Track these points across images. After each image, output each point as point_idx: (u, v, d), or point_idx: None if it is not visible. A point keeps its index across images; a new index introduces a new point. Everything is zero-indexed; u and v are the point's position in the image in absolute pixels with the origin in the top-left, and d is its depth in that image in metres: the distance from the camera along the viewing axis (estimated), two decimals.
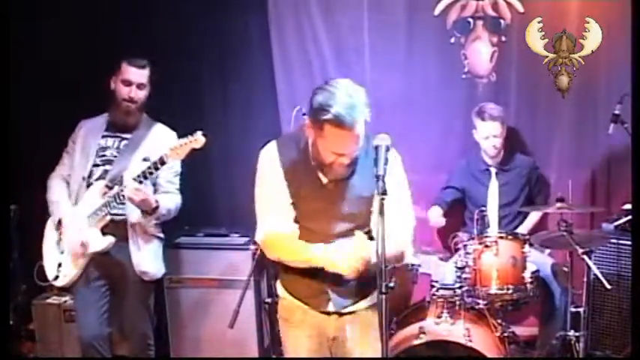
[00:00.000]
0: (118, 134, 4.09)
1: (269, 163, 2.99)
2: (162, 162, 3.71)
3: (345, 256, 2.82)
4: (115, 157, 4.02)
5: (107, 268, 4.00)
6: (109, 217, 3.90)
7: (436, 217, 4.72)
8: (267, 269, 4.83)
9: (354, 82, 2.82)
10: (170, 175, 4.09)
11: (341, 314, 3.06)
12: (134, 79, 4.03)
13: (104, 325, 4.07)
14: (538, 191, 4.81)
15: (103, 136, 4.09)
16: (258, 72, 5.18)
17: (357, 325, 3.06)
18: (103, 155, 4.04)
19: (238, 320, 4.00)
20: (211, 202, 5.40)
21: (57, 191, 4.10)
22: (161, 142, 3.98)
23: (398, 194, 2.93)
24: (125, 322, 4.14)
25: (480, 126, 4.69)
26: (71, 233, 3.95)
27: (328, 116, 2.70)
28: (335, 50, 5.02)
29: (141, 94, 4.06)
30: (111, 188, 3.88)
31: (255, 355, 4.76)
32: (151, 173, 3.75)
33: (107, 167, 3.99)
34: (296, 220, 3.02)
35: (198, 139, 3.66)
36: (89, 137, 4.09)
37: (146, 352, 4.19)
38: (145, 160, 3.82)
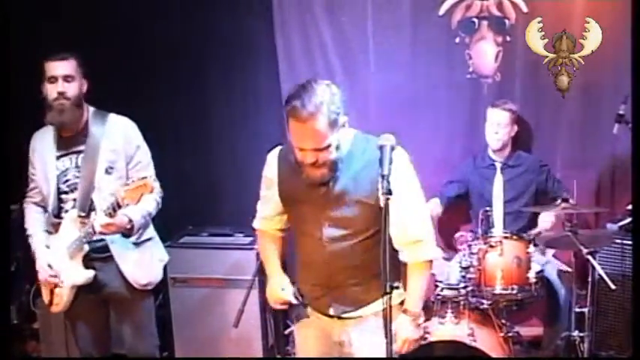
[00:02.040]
0: (72, 149, 3.76)
1: (268, 169, 3.10)
2: (119, 205, 3.46)
3: (272, 293, 3.16)
4: (78, 178, 3.74)
5: (100, 291, 3.80)
6: (87, 247, 3.67)
7: (433, 209, 4.69)
8: None
9: (333, 84, 2.85)
10: (140, 173, 3.71)
11: (345, 319, 3.05)
12: (58, 73, 3.65)
13: (104, 343, 3.99)
14: (554, 190, 4.73)
15: (58, 157, 3.77)
16: (262, 73, 5.19)
17: (361, 330, 3.03)
18: (67, 180, 3.75)
19: (243, 320, 4.01)
20: (216, 202, 5.41)
21: (31, 222, 3.92)
22: (118, 136, 3.76)
23: (407, 190, 2.90)
24: (127, 343, 3.95)
25: (489, 113, 4.73)
26: (54, 264, 3.77)
27: (288, 107, 2.76)
28: (340, 51, 5.01)
29: (70, 88, 3.67)
30: (85, 217, 3.68)
31: (260, 354, 4.76)
32: (114, 210, 3.49)
33: (76, 195, 3.73)
34: (284, 226, 3.22)
35: (147, 185, 3.43)
36: (45, 162, 3.79)
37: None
38: (107, 172, 3.69)
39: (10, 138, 3.91)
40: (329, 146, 2.78)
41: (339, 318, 3.06)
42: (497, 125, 4.71)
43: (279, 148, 3.10)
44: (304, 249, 3.07)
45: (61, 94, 3.65)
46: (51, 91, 3.67)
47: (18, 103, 4.14)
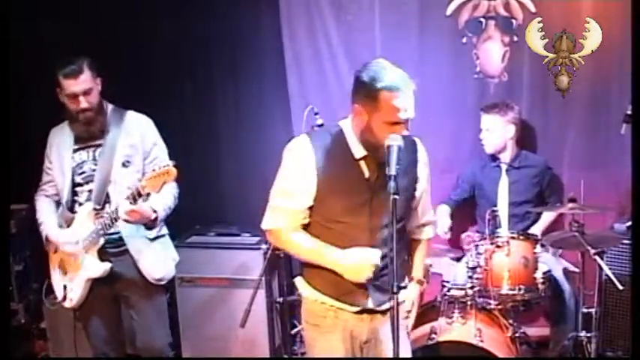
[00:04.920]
0: (90, 143, 3.80)
1: (301, 158, 2.94)
2: (140, 194, 3.50)
3: (359, 266, 2.88)
4: (94, 171, 3.77)
5: (114, 285, 3.84)
6: (102, 240, 3.71)
7: (442, 217, 4.72)
8: (278, 269, 4.84)
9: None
10: (157, 164, 3.71)
11: (374, 315, 3.05)
12: (77, 90, 3.66)
13: (117, 339, 4.01)
14: (551, 192, 4.78)
15: (75, 150, 3.82)
16: (269, 72, 5.20)
17: (389, 326, 2.95)
18: (82, 172, 3.79)
19: (249, 320, 4.02)
20: (223, 202, 5.42)
21: (43, 213, 3.93)
22: (136, 132, 3.81)
23: (427, 180, 3.13)
24: (142, 336, 3.94)
25: (481, 118, 4.74)
26: (68, 257, 3.81)
27: (383, 83, 2.76)
28: (347, 50, 5.02)
29: (92, 99, 3.71)
30: (100, 209, 3.71)
31: (266, 354, 4.77)
32: (135, 198, 3.52)
33: (91, 186, 3.77)
34: (306, 221, 3.02)
35: (170, 172, 3.44)
36: (62, 155, 3.83)
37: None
38: (124, 165, 3.73)
39: (12, 138, 3.92)
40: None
41: (370, 316, 3.05)
42: (486, 131, 4.72)
43: (305, 136, 2.99)
44: (341, 240, 2.93)
45: (84, 109, 3.70)
46: (73, 106, 3.71)
47: (19, 103, 4.14)
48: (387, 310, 2.99)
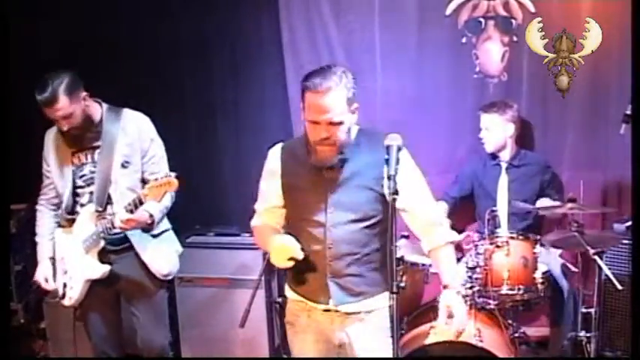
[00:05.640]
0: (87, 145, 3.78)
1: (270, 162, 3.15)
2: (141, 202, 3.53)
3: (276, 251, 2.93)
4: (94, 173, 3.76)
5: (115, 284, 3.85)
6: (103, 242, 3.73)
7: None
8: (278, 269, 4.82)
9: (347, 70, 2.92)
10: (154, 166, 3.80)
11: (344, 318, 3.05)
12: (54, 117, 3.62)
13: (117, 337, 4.01)
14: (554, 191, 4.74)
15: (74, 153, 3.79)
16: (269, 73, 5.20)
17: (361, 331, 3.05)
18: (83, 175, 3.79)
19: (249, 320, 3.97)
20: (222, 202, 5.42)
21: (41, 228, 3.95)
22: (133, 130, 3.79)
23: (417, 178, 3.07)
24: (141, 335, 3.95)
25: (481, 118, 4.74)
26: (68, 258, 3.82)
27: (307, 82, 2.86)
28: (346, 50, 5.02)
29: (74, 120, 3.64)
30: (102, 211, 3.72)
31: (266, 354, 4.77)
32: (136, 206, 3.56)
33: (91, 189, 3.76)
34: (282, 221, 3.18)
35: (172, 183, 3.47)
36: (60, 158, 3.81)
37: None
38: (124, 165, 3.72)
39: (12, 138, 3.92)
40: (342, 123, 2.86)
41: (338, 312, 3.04)
42: (486, 130, 4.73)
43: (280, 143, 3.16)
44: (305, 238, 3.01)
45: (67, 130, 3.67)
46: (58, 125, 3.70)
47: (18, 103, 4.15)
48: (356, 313, 3.05)
